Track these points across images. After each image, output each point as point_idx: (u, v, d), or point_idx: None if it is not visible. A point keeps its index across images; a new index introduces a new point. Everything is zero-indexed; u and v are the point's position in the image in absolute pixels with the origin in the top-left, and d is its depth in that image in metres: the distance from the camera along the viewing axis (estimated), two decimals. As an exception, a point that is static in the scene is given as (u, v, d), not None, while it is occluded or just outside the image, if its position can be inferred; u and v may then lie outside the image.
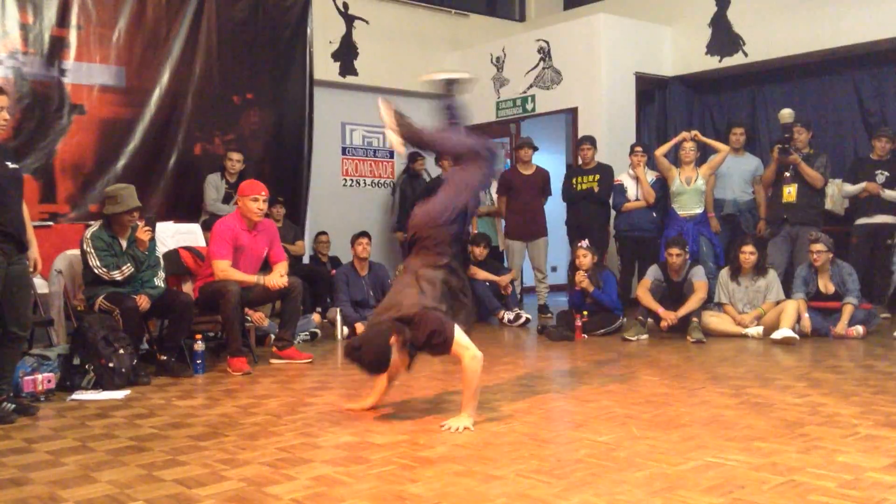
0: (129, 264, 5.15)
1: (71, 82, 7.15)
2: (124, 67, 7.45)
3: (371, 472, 2.95)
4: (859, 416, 3.66)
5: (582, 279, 6.86)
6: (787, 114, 7.37)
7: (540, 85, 9.67)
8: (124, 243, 5.23)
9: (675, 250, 6.57)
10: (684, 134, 7.63)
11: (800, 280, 6.57)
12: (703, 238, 7.32)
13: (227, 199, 7.44)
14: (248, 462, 3.12)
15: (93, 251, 5.10)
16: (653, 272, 6.76)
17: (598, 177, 8.00)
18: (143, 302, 5.15)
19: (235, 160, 7.55)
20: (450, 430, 3.50)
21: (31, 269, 4.25)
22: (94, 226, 5.26)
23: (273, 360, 5.64)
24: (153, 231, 5.32)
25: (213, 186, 7.50)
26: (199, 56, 7.88)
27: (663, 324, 6.45)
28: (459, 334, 3.62)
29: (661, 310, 6.47)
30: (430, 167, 9.24)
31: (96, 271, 5.10)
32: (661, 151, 7.68)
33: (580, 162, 8.23)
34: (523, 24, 11.32)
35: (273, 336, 6.00)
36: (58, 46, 7.08)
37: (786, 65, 8.82)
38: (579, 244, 7.00)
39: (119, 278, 5.11)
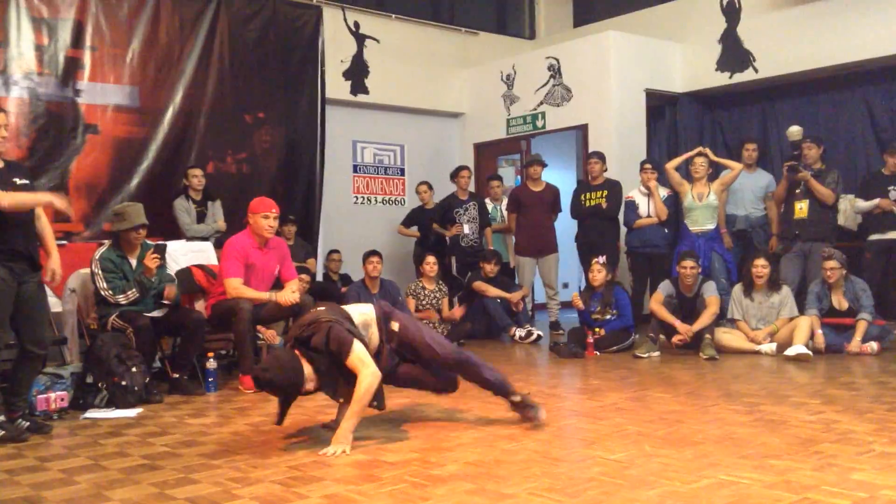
0: (134, 290, 5.17)
1: (85, 102, 7.24)
2: (138, 87, 7.53)
3: (383, 490, 2.94)
4: (874, 433, 3.63)
5: (577, 299, 6.94)
6: (795, 131, 7.37)
7: (550, 102, 9.70)
8: (133, 262, 5.26)
9: (688, 263, 6.55)
10: (696, 151, 7.60)
11: (813, 296, 6.53)
12: (715, 254, 7.30)
13: (200, 218, 7.35)
14: (259, 480, 3.12)
15: (100, 273, 5.13)
16: (665, 287, 6.74)
17: (605, 193, 7.99)
18: (171, 292, 5.31)
19: (199, 175, 7.37)
20: (326, 454, 3.45)
21: (49, 279, 4.23)
22: (104, 246, 5.29)
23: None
24: (162, 259, 5.31)
25: (184, 211, 7.27)
26: (212, 76, 7.96)
27: (677, 338, 6.42)
28: (361, 350, 3.63)
29: (678, 322, 6.44)
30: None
31: (102, 293, 5.13)
32: (671, 165, 7.68)
33: (588, 177, 8.24)
34: (533, 42, 11.38)
35: (285, 354, 6.00)
36: (72, 67, 7.17)
37: (796, 81, 8.82)
38: (596, 259, 7.00)
39: (123, 302, 5.14)
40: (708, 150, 7.61)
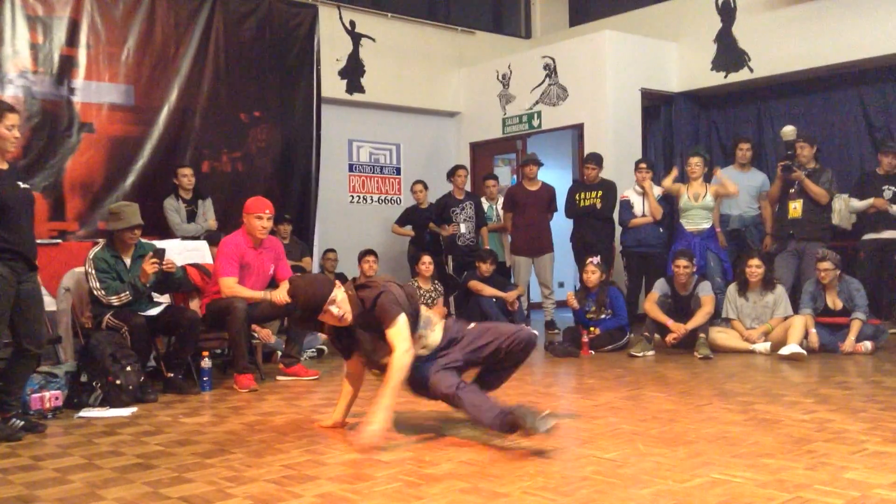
0: (127, 292, 5.15)
1: (80, 101, 7.21)
2: (133, 86, 7.51)
3: (376, 489, 2.95)
4: (867, 432, 3.65)
5: (571, 299, 6.95)
6: (789, 131, 7.39)
7: (546, 101, 9.70)
8: (128, 261, 5.26)
9: (682, 262, 6.57)
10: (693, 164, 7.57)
11: (807, 295, 6.55)
12: (710, 253, 7.32)
13: (190, 217, 7.33)
14: (254, 479, 3.12)
15: (93, 272, 5.13)
16: (660, 286, 6.76)
17: (600, 193, 8.00)
18: (171, 264, 5.31)
19: (188, 175, 7.34)
20: (374, 433, 3.45)
21: None
22: (98, 246, 5.28)
23: (279, 377, 5.65)
24: (160, 264, 5.26)
25: (173, 210, 7.25)
26: (207, 74, 7.94)
27: (670, 337, 6.44)
28: (404, 325, 3.59)
29: (670, 322, 6.46)
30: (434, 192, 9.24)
31: (95, 293, 5.12)
32: (668, 183, 7.63)
33: (584, 178, 8.24)
34: (529, 41, 11.38)
35: (280, 353, 6.01)
36: (67, 65, 7.15)
37: (791, 80, 8.84)
38: (590, 259, 7.01)
39: (116, 304, 5.13)
40: (719, 173, 7.53)
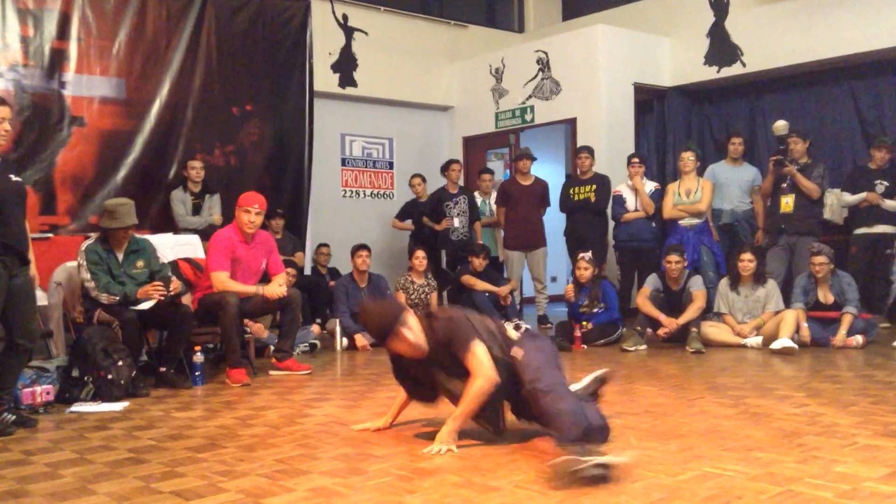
0: (117, 298, 5.09)
1: (71, 94, 7.18)
2: (124, 79, 7.48)
3: (369, 483, 2.95)
4: (858, 425, 3.66)
5: (570, 291, 6.96)
6: (781, 126, 7.41)
7: (539, 96, 9.70)
8: (121, 256, 5.24)
9: (673, 257, 6.59)
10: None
11: (799, 290, 6.57)
12: (704, 247, 7.34)
13: (196, 210, 7.33)
14: (246, 474, 3.11)
15: (85, 264, 5.11)
16: (652, 281, 6.77)
17: (594, 187, 8.01)
18: (177, 285, 5.25)
19: (198, 167, 7.37)
20: (431, 452, 3.30)
21: None
22: (91, 238, 5.26)
23: (272, 372, 5.65)
24: (166, 291, 5.14)
25: (179, 201, 7.28)
26: (199, 68, 7.91)
27: (662, 330, 6.45)
28: (484, 351, 3.34)
29: (662, 316, 6.48)
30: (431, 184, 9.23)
31: (85, 284, 5.10)
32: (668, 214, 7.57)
33: (578, 171, 8.25)
34: (522, 36, 11.37)
35: (272, 347, 6.01)
36: (58, 59, 7.12)
37: (784, 75, 8.86)
38: (581, 255, 7.01)
39: (104, 302, 5.09)
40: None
